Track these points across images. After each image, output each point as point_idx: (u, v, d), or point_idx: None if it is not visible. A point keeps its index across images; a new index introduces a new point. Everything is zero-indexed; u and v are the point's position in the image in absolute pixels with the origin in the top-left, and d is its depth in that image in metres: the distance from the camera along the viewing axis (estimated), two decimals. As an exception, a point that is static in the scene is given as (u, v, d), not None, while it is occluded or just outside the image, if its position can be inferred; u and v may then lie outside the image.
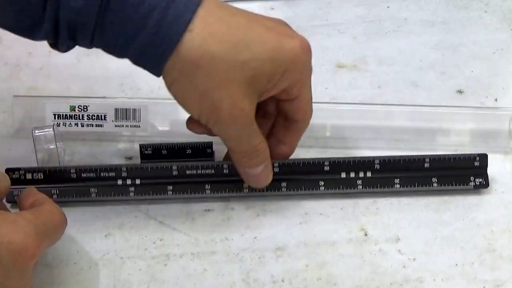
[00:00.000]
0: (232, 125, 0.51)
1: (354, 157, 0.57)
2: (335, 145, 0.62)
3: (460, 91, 0.67)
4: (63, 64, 0.70)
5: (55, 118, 0.60)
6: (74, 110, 0.61)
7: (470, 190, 0.57)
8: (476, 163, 0.57)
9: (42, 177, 0.56)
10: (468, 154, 0.57)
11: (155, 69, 0.50)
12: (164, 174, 0.56)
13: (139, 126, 0.61)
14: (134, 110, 0.61)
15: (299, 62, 0.51)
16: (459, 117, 0.62)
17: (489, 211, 0.57)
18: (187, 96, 0.50)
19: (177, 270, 0.53)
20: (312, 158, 0.57)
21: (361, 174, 0.56)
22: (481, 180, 0.57)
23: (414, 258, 0.54)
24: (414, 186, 0.56)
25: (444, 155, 0.57)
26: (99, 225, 0.56)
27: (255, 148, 0.53)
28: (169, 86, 0.51)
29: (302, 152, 0.61)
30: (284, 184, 0.56)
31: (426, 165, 0.56)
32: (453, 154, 0.57)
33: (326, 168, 0.56)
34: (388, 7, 0.77)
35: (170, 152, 0.59)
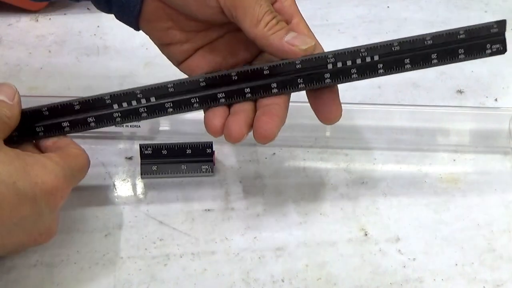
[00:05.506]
0: None
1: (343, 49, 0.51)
2: (335, 145, 0.62)
3: (460, 91, 0.68)
4: (63, 64, 0.70)
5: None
6: (74, 110, 0.61)
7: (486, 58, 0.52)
8: (494, 30, 0.50)
9: (48, 113, 0.52)
10: (482, 24, 0.51)
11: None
12: (189, 88, 0.51)
13: (139, 126, 0.61)
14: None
15: None
16: (459, 117, 0.62)
17: (489, 211, 0.57)
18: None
19: (177, 270, 0.53)
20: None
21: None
22: (498, 46, 0.50)
23: (414, 258, 0.54)
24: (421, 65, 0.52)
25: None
26: (99, 225, 0.56)
27: (270, 10, 0.50)
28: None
29: (301, 152, 0.61)
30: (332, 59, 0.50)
31: (429, 42, 0.51)
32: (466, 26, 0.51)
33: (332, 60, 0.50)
34: (388, 7, 0.77)
35: (170, 152, 0.59)
